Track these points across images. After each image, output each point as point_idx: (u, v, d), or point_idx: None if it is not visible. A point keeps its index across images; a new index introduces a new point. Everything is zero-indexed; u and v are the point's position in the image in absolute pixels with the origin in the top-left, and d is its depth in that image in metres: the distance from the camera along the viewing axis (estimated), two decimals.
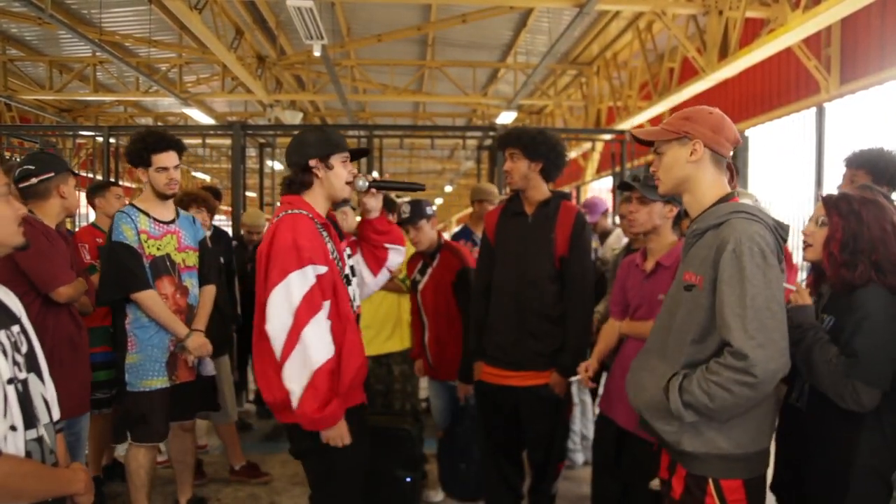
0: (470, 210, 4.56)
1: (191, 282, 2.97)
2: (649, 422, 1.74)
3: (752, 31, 6.10)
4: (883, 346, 1.73)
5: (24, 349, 1.41)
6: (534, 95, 10.64)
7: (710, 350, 1.64)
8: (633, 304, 2.51)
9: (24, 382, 1.37)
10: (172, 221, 2.95)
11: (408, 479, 3.05)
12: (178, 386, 2.89)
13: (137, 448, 2.86)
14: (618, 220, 4.08)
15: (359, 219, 3.78)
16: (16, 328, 1.40)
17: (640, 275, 2.48)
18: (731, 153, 1.77)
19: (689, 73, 7.39)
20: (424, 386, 3.91)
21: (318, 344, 1.93)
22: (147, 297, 2.77)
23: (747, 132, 7.44)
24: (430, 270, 3.27)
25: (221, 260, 3.99)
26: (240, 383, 4.93)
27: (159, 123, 12.68)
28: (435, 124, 12.70)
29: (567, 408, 2.83)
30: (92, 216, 3.78)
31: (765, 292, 1.54)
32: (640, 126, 8.01)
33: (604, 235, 4.70)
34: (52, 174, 2.77)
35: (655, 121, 8.21)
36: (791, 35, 5.04)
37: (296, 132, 2.43)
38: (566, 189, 12.31)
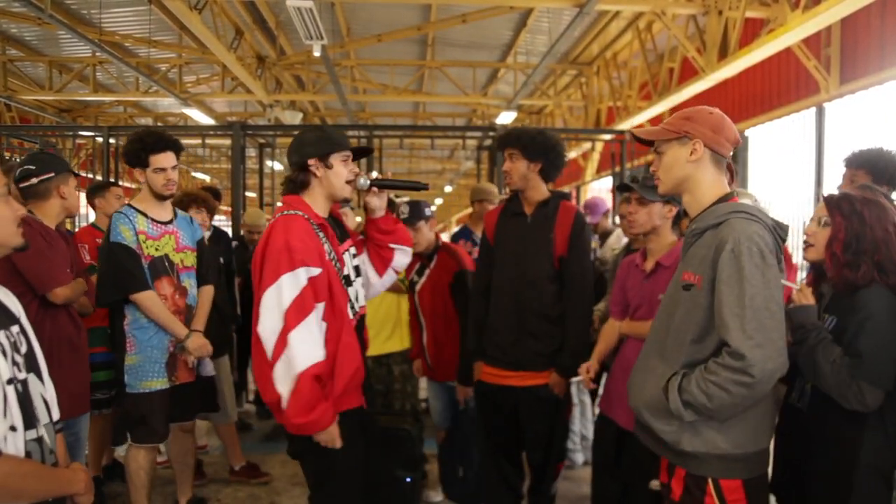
0: (470, 210, 4.56)
1: (189, 282, 2.97)
2: (648, 422, 1.75)
3: (752, 31, 6.10)
4: (886, 346, 1.73)
5: (23, 349, 1.41)
6: (534, 95, 10.64)
7: (710, 350, 1.64)
8: (633, 304, 2.52)
9: (24, 383, 1.37)
10: (170, 222, 2.95)
11: (408, 480, 3.04)
12: (178, 387, 2.88)
13: (137, 449, 2.86)
14: (618, 220, 4.08)
15: (359, 219, 3.80)
16: (15, 328, 1.40)
17: (640, 275, 2.49)
18: (731, 153, 1.78)
19: (688, 73, 7.39)
20: (424, 386, 3.91)
21: (303, 348, 1.91)
22: (146, 297, 2.76)
23: (747, 132, 7.44)
24: (427, 272, 3.27)
25: (221, 260, 3.99)
26: (240, 383, 4.93)
27: (159, 124, 12.68)
28: (435, 124, 12.71)
29: (566, 408, 2.83)
30: (92, 216, 3.78)
31: (763, 292, 1.55)
32: (640, 126, 8.01)
33: (604, 236, 4.71)
34: (53, 174, 2.76)
35: (655, 121, 8.21)
36: (791, 35, 5.04)
37: (296, 132, 2.42)
38: (566, 189, 12.32)
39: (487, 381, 2.81)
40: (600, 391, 2.90)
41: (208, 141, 11.70)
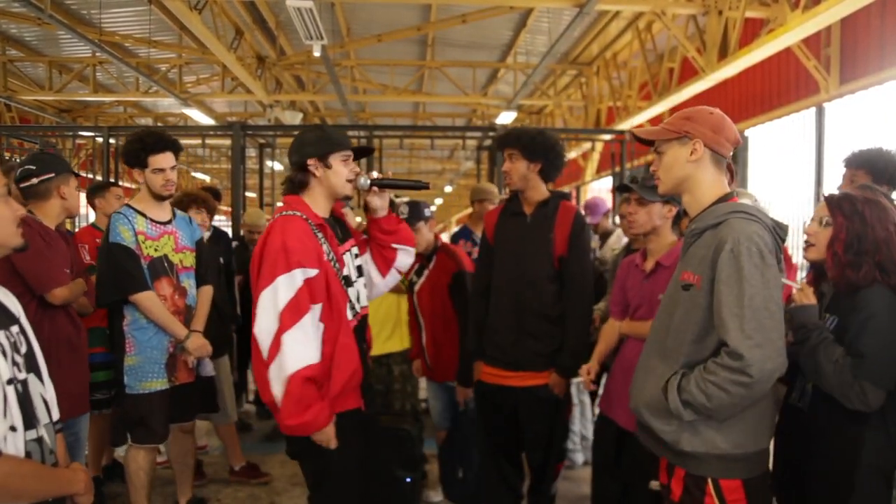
0: (469, 210, 4.56)
1: (189, 282, 2.96)
2: (648, 422, 1.75)
3: (752, 31, 6.10)
4: (889, 346, 1.74)
5: (23, 349, 1.41)
6: (534, 95, 10.64)
7: (710, 349, 1.64)
8: (633, 304, 2.52)
9: (24, 383, 1.37)
10: (169, 222, 2.94)
11: (408, 480, 3.05)
12: (178, 387, 2.88)
13: (137, 449, 2.86)
14: (618, 220, 4.08)
15: (359, 219, 3.79)
16: (15, 328, 1.40)
17: (640, 275, 2.49)
18: (732, 153, 1.78)
19: (688, 73, 7.39)
20: (424, 386, 3.91)
21: (296, 349, 1.91)
22: (145, 298, 2.76)
23: (747, 132, 7.44)
24: (426, 272, 3.27)
25: (221, 260, 3.99)
26: (239, 384, 4.93)
27: (159, 124, 12.68)
28: (435, 124, 12.71)
29: (566, 408, 2.83)
30: (92, 216, 3.78)
31: (763, 292, 1.54)
32: (640, 126, 8.01)
33: (605, 236, 4.71)
34: (53, 174, 2.76)
35: (655, 121, 8.21)
36: (791, 35, 5.04)
37: (296, 132, 2.42)
38: (566, 189, 12.32)
39: (487, 382, 2.80)
40: (600, 391, 2.90)
41: (208, 141, 11.69)
